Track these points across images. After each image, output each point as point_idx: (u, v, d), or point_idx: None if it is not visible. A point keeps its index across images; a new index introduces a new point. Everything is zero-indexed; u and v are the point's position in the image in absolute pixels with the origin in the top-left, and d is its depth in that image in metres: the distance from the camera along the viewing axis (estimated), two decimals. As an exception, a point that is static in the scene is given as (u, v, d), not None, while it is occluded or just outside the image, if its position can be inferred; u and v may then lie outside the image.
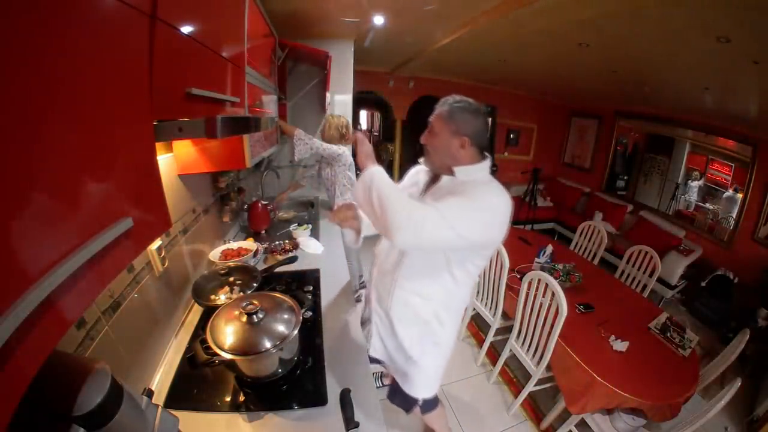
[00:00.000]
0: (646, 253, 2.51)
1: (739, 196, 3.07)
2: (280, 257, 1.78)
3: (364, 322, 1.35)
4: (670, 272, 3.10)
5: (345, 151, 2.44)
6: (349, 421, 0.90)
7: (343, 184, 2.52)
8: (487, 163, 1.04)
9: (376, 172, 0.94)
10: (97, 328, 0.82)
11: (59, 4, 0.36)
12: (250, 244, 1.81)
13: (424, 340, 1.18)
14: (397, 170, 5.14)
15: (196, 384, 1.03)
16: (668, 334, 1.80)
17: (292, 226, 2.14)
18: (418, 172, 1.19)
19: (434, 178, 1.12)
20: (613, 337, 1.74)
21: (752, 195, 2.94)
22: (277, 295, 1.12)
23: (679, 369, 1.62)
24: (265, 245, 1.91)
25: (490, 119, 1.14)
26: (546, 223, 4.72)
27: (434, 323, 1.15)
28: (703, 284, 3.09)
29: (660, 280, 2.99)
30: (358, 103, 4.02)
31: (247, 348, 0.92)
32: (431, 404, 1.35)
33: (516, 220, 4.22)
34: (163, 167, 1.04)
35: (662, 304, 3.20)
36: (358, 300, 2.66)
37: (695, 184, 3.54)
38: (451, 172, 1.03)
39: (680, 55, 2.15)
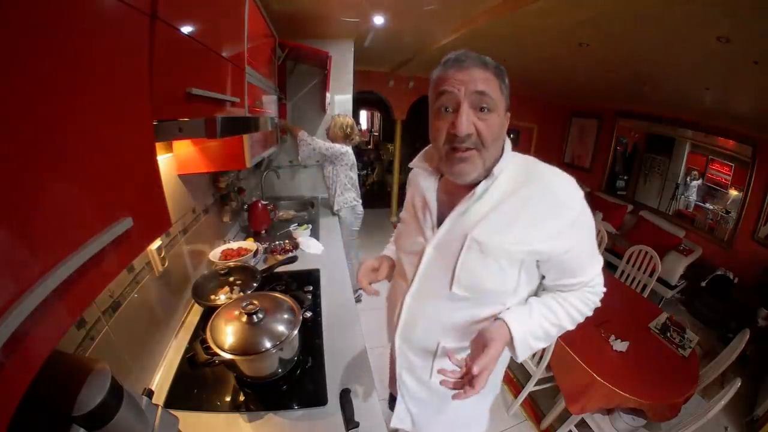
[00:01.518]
0: (646, 253, 2.51)
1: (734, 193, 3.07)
2: (280, 257, 1.78)
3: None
4: (670, 272, 3.10)
5: (348, 150, 2.46)
6: (349, 421, 0.90)
7: (344, 183, 2.53)
8: (509, 141, 0.75)
9: (523, 340, 0.73)
10: (97, 328, 0.82)
11: (59, 4, 0.36)
12: (250, 244, 1.81)
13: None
14: (397, 170, 5.13)
15: (196, 384, 1.03)
16: (668, 334, 1.80)
17: (292, 226, 2.14)
18: (420, 185, 0.83)
19: (449, 190, 0.78)
20: (613, 337, 1.74)
21: (752, 195, 2.94)
22: (277, 295, 1.12)
23: (679, 369, 1.62)
24: (265, 245, 1.91)
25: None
26: (546, 223, 4.70)
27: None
28: (703, 284, 3.09)
29: (660, 280, 2.99)
30: (358, 103, 4.02)
31: (247, 348, 0.92)
32: None
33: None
34: (163, 167, 1.04)
35: (662, 304, 3.19)
36: (358, 300, 2.66)
37: (695, 184, 3.54)
38: (484, 175, 0.71)
39: (680, 55, 2.15)
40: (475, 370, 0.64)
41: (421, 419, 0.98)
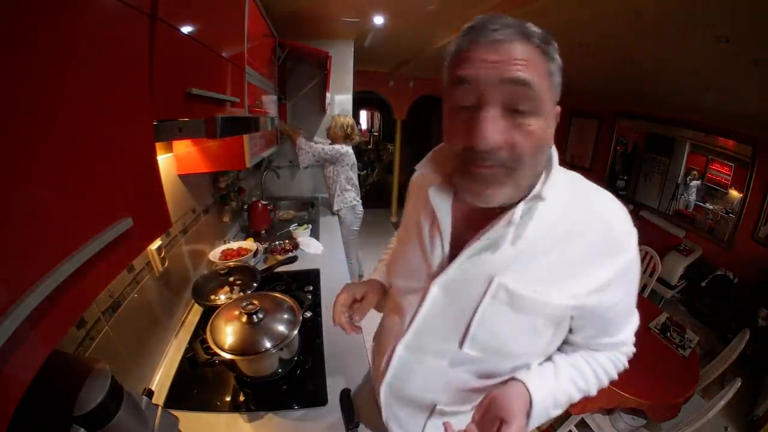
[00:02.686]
0: (646, 253, 2.51)
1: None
2: (280, 257, 1.78)
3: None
4: (670, 272, 3.10)
5: (348, 150, 2.47)
6: (349, 421, 0.90)
7: (344, 183, 2.53)
8: (556, 152, 0.55)
9: (544, 409, 0.55)
10: (97, 328, 0.82)
11: (58, 4, 0.36)
12: (250, 244, 1.81)
13: None
14: (397, 170, 5.13)
15: (196, 384, 1.03)
16: (668, 334, 1.80)
17: (292, 226, 2.14)
18: (430, 199, 0.59)
19: (471, 209, 0.55)
20: (613, 337, 1.74)
21: (752, 195, 2.94)
22: (277, 295, 1.12)
23: (679, 369, 1.62)
24: (265, 245, 1.91)
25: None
26: (546, 223, 4.71)
27: None
28: (703, 284, 3.08)
29: (660, 280, 2.99)
30: (358, 103, 4.02)
31: (247, 348, 0.92)
32: None
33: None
34: (163, 167, 1.04)
35: (662, 304, 3.19)
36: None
37: (694, 184, 3.54)
38: (522, 195, 0.50)
39: (680, 55, 2.15)
40: None
41: None
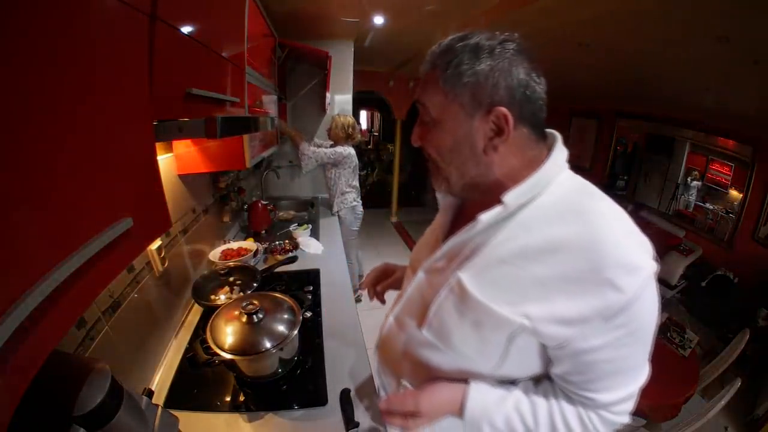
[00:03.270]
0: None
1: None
2: (280, 257, 1.78)
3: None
4: (670, 272, 3.10)
5: (350, 152, 2.46)
6: (349, 421, 0.90)
7: (345, 185, 2.53)
8: (560, 154, 0.54)
9: (476, 420, 0.56)
10: (97, 328, 0.82)
11: (58, 3, 0.36)
12: (250, 244, 1.81)
13: None
14: (397, 170, 5.13)
15: (196, 384, 1.02)
16: (668, 334, 1.80)
17: (292, 226, 2.14)
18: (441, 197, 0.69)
19: (470, 211, 0.59)
20: (613, 337, 1.74)
21: (752, 195, 2.94)
22: (277, 295, 1.12)
23: (679, 369, 1.62)
24: (265, 245, 1.91)
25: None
26: (546, 223, 4.71)
27: None
28: (703, 284, 3.09)
29: (660, 280, 2.95)
30: (358, 103, 4.02)
31: (247, 348, 0.92)
32: None
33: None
34: (163, 167, 1.04)
35: (662, 304, 3.19)
36: (358, 300, 2.66)
37: (694, 185, 3.54)
38: (496, 199, 0.51)
39: (680, 55, 2.15)
40: (383, 405, 0.57)
41: None
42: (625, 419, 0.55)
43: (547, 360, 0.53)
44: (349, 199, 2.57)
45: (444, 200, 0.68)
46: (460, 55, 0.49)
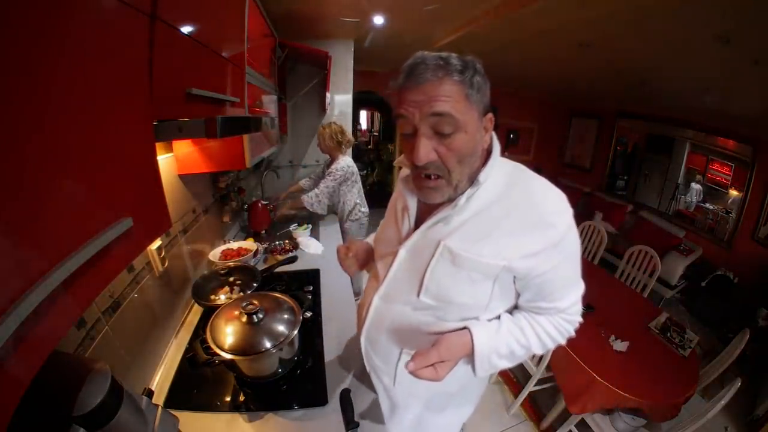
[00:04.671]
0: (646, 253, 2.51)
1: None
2: (280, 257, 1.78)
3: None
4: (670, 272, 3.10)
5: (347, 165, 2.33)
6: (349, 421, 0.90)
7: (352, 199, 2.44)
8: (498, 144, 0.69)
9: (485, 354, 0.68)
10: (97, 328, 0.82)
11: (59, 4, 0.36)
12: (250, 244, 1.81)
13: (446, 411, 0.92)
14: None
15: (196, 384, 1.03)
16: (668, 334, 1.80)
17: (292, 226, 2.14)
18: (403, 188, 0.79)
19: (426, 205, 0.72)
20: (613, 337, 1.74)
21: (752, 195, 2.94)
22: (277, 295, 1.12)
23: (679, 369, 1.62)
24: (265, 245, 1.91)
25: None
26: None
27: (459, 396, 0.90)
28: (703, 284, 3.09)
29: (660, 280, 2.99)
30: (358, 103, 4.02)
31: (247, 348, 0.92)
32: None
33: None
34: (163, 167, 1.04)
35: (662, 304, 3.19)
36: (358, 300, 2.65)
37: (694, 186, 3.54)
38: (467, 184, 0.66)
39: (680, 55, 2.15)
40: (410, 366, 0.62)
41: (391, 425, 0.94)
42: (579, 318, 0.75)
43: (516, 294, 0.72)
44: (356, 212, 2.48)
45: (410, 190, 0.76)
46: (473, 71, 0.59)
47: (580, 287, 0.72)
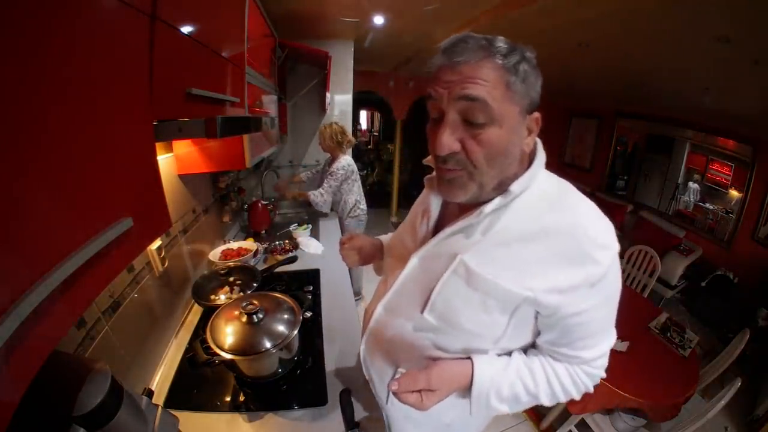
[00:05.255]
0: (646, 253, 2.51)
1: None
2: (280, 257, 1.78)
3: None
4: (670, 272, 3.10)
5: (347, 164, 2.44)
6: (349, 421, 0.90)
7: (351, 199, 2.54)
8: (543, 154, 0.60)
9: (484, 393, 0.60)
10: (97, 328, 0.82)
11: (59, 4, 0.36)
12: (250, 244, 1.81)
13: None
14: (397, 170, 5.13)
15: (196, 384, 1.03)
16: (668, 334, 1.80)
17: (292, 226, 2.14)
18: (427, 190, 0.73)
19: (457, 208, 0.65)
20: (613, 337, 1.74)
21: (752, 195, 2.94)
22: (277, 295, 1.12)
23: (679, 369, 1.62)
24: (265, 245, 1.91)
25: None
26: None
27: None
28: (703, 284, 3.08)
29: (660, 280, 2.99)
30: (358, 103, 4.02)
31: (247, 348, 0.92)
32: None
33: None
34: (163, 167, 1.04)
35: (662, 304, 3.19)
36: (358, 300, 2.67)
37: (693, 186, 3.54)
38: (498, 191, 0.57)
39: (680, 55, 2.15)
40: (393, 386, 0.56)
41: None
42: (603, 373, 0.65)
43: (536, 332, 0.61)
44: (356, 210, 2.59)
45: (432, 195, 0.69)
46: (522, 58, 0.50)
47: (611, 337, 0.62)
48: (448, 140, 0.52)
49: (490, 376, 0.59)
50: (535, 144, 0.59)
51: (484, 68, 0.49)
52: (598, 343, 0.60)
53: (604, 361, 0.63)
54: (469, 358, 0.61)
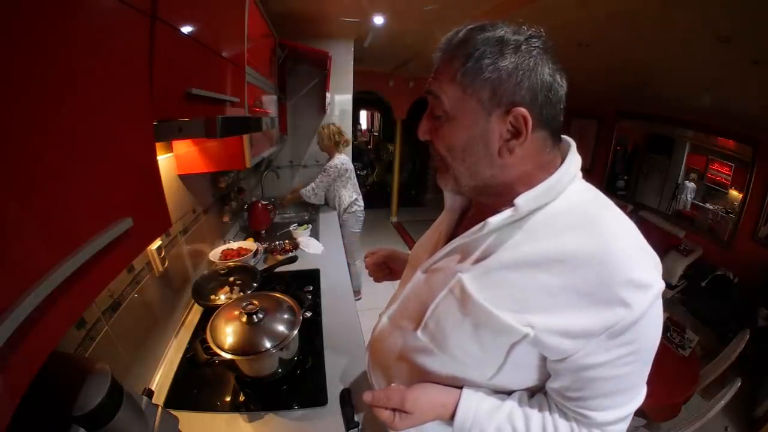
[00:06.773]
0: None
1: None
2: (280, 257, 1.78)
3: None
4: (670, 272, 3.10)
5: (344, 163, 2.55)
6: (349, 421, 0.90)
7: (346, 194, 2.63)
8: (575, 161, 0.51)
9: (465, 428, 0.53)
10: (97, 328, 0.82)
11: (59, 4, 0.36)
12: (250, 244, 1.81)
13: None
14: (397, 170, 5.13)
15: (196, 384, 1.03)
16: (668, 334, 1.80)
17: (292, 226, 2.14)
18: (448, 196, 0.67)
19: (478, 211, 0.60)
20: (613, 337, 1.74)
21: (752, 195, 2.94)
22: (277, 295, 1.12)
23: (679, 369, 1.62)
24: (265, 245, 1.91)
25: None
26: (546, 223, 4.71)
27: None
28: (703, 284, 3.08)
29: (660, 280, 2.99)
30: (358, 103, 4.02)
31: (247, 348, 0.92)
32: None
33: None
34: (163, 167, 1.04)
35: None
36: (358, 299, 2.67)
37: (690, 185, 3.54)
38: (505, 202, 0.49)
39: (680, 55, 2.15)
40: (367, 397, 0.55)
41: None
42: None
43: (545, 374, 0.52)
44: (353, 207, 2.67)
45: (452, 200, 0.65)
46: (482, 47, 0.45)
47: (638, 398, 0.49)
48: (422, 129, 0.53)
49: (474, 414, 0.52)
50: (564, 156, 0.51)
51: (442, 62, 0.50)
52: (618, 405, 0.48)
53: (623, 428, 0.51)
54: (460, 388, 0.56)
